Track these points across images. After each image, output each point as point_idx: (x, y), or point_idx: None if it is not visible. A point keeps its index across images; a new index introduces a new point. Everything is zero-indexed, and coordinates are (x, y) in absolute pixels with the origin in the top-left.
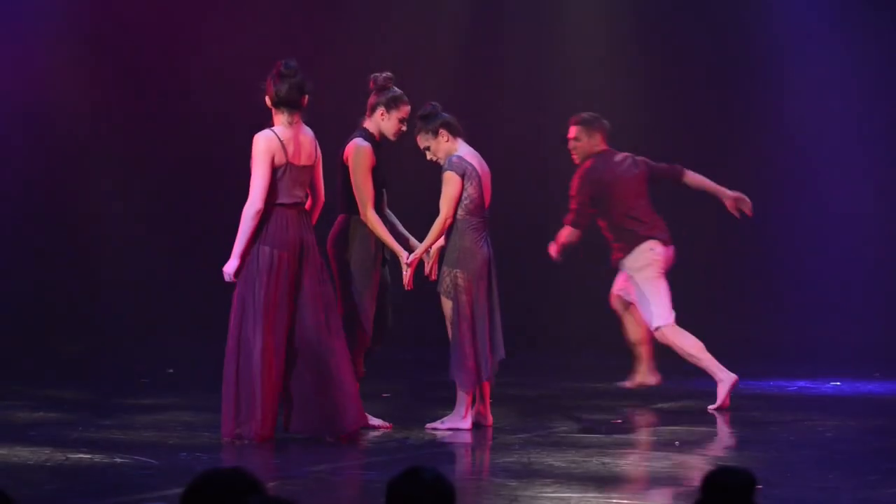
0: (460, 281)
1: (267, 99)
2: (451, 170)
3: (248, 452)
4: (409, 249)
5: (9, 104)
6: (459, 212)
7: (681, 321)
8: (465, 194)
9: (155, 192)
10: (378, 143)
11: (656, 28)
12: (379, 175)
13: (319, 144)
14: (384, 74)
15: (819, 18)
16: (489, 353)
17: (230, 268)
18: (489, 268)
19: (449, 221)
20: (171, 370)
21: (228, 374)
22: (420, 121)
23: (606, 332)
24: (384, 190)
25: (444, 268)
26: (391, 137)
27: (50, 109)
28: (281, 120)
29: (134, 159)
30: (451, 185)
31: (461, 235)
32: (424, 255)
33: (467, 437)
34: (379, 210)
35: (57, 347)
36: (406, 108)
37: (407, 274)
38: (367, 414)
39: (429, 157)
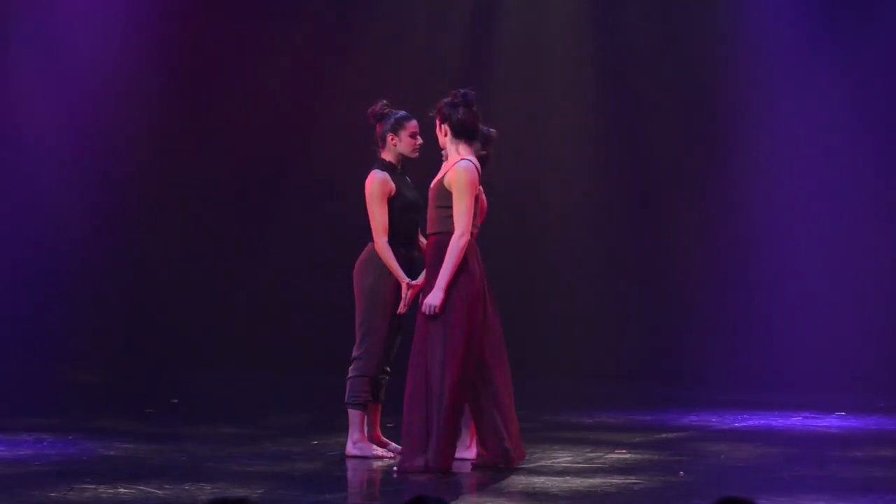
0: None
1: (446, 128)
2: None
3: (253, 480)
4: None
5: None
6: None
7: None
8: None
9: (156, 222)
10: (401, 170)
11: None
12: (405, 201)
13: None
14: (379, 104)
15: (788, 48)
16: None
17: (438, 300)
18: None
19: None
20: (175, 399)
21: (446, 406)
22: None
23: (608, 361)
24: (413, 216)
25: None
26: (412, 155)
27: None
28: (464, 150)
29: (142, 186)
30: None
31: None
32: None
33: (471, 467)
34: (409, 236)
35: (60, 377)
36: (412, 124)
37: (407, 297)
38: (385, 439)
39: (442, 143)
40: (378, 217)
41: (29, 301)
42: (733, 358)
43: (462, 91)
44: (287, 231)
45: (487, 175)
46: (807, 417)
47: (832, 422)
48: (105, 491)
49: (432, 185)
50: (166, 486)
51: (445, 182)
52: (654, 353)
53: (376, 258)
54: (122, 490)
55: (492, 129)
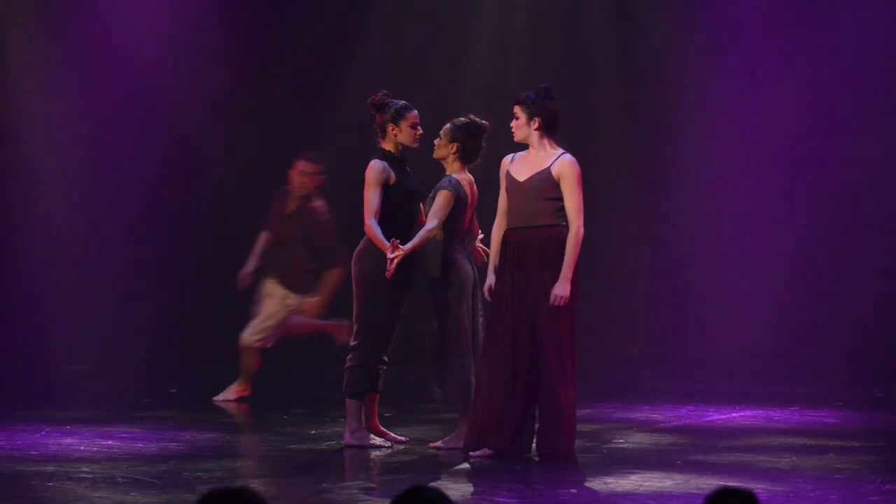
0: (446, 300)
1: (538, 121)
2: (448, 189)
3: (251, 470)
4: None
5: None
6: (443, 233)
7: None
8: (453, 214)
9: (149, 212)
10: (401, 159)
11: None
12: (405, 189)
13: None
14: (379, 94)
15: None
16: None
17: (567, 291)
18: (474, 287)
19: (434, 232)
20: (173, 389)
21: (566, 394)
22: (457, 119)
23: (605, 352)
24: (413, 205)
25: (431, 289)
26: (412, 145)
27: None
28: (551, 143)
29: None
30: (444, 200)
31: (444, 256)
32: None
33: (468, 455)
34: (408, 224)
35: (58, 366)
36: (412, 114)
37: (389, 269)
38: (384, 429)
39: (436, 142)
40: (371, 200)
41: (24, 293)
42: (729, 349)
43: (545, 86)
44: None
45: (482, 167)
46: (804, 408)
47: (830, 412)
48: (103, 480)
49: (524, 178)
50: (164, 476)
51: (555, 174)
52: (650, 344)
53: (373, 248)
54: (119, 479)
55: (484, 121)
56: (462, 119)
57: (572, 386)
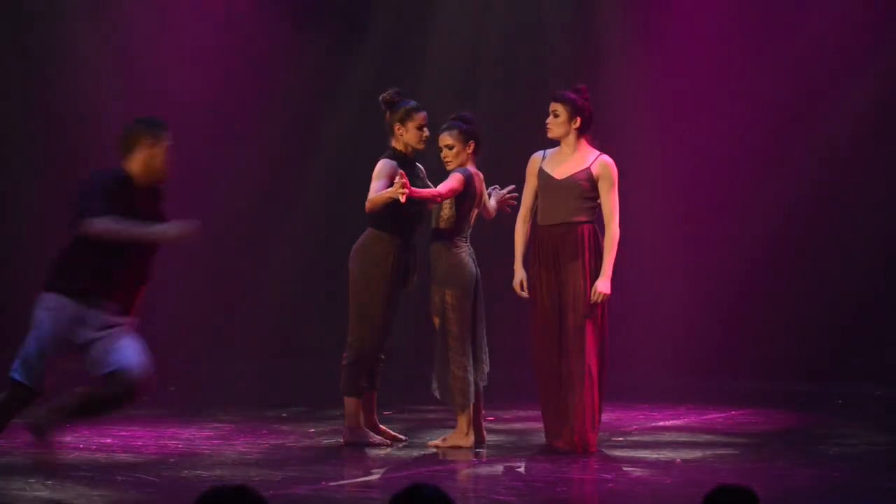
0: (448, 298)
1: (579, 120)
2: (461, 174)
3: (250, 468)
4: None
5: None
6: (449, 230)
7: None
8: (460, 208)
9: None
10: (410, 158)
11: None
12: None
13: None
14: (391, 91)
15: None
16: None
17: (609, 288)
18: (476, 286)
19: (443, 200)
20: (172, 388)
21: (593, 387)
22: (455, 122)
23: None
24: (419, 205)
25: (434, 287)
26: (419, 147)
27: None
28: (586, 143)
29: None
30: (455, 181)
31: (449, 254)
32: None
33: (469, 455)
34: (412, 223)
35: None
36: (420, 116)
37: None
38: (382, 426)
39: (444, 155)
40: (374, 189)
41: (17, 286)
42: (731, 345)
43: (583, 86)
44: (286, 223)
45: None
46: (803, 405)
47: (829, 410)
48: (102, 478)
49: (562, 176)
50: (163, 474)
51: (595, 173)
52: (650, 343)
53: (372, 245)
54: (118, 478)
55: (466, 111)
56: (456, 121)
57: (598, 386)
